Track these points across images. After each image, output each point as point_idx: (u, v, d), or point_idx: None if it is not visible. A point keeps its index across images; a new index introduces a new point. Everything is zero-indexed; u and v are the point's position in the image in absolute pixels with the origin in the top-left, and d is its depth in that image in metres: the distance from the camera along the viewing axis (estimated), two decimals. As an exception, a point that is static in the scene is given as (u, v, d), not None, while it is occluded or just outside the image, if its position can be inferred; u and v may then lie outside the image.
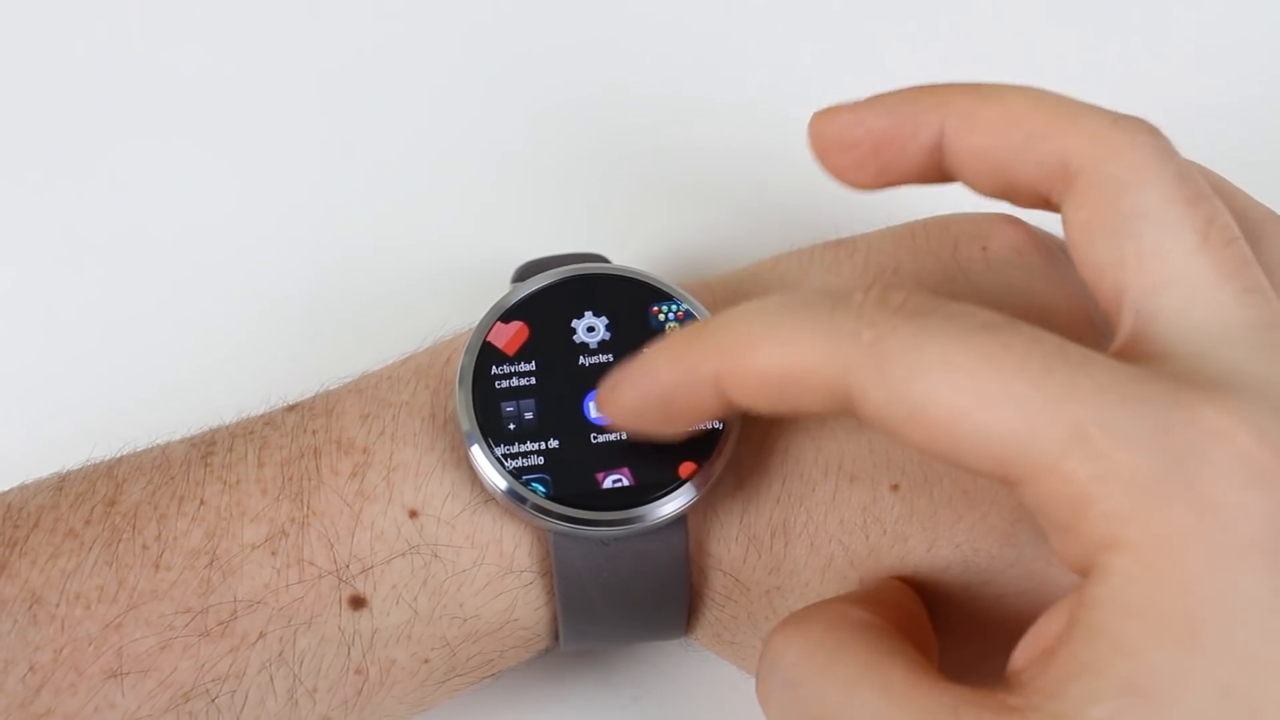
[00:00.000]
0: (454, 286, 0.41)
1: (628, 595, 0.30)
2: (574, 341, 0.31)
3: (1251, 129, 0.44)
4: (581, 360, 0.31)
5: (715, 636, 0.32)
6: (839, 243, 0.34)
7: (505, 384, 0.30)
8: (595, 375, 0.30)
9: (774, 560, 0.31)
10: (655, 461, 0.30)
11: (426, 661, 0.31)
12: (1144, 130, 0.27)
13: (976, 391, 0.23)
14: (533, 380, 0.31)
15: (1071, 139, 0.27)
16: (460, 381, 0.30)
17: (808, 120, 0.29)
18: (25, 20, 0.45)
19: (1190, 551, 0.22)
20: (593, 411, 0.30)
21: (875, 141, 0.29)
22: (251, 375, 0.37)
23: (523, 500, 0.29)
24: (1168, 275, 0.25)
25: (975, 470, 0.24)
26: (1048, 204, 0.28)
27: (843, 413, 0.25)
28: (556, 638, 0.32)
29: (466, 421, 0.30)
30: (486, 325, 0.31)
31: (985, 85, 0.28)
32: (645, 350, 0.27)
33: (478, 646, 0.31)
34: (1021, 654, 0.24)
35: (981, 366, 0.23)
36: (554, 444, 0.30)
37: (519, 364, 0.31)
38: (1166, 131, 0.27)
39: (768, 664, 0.26)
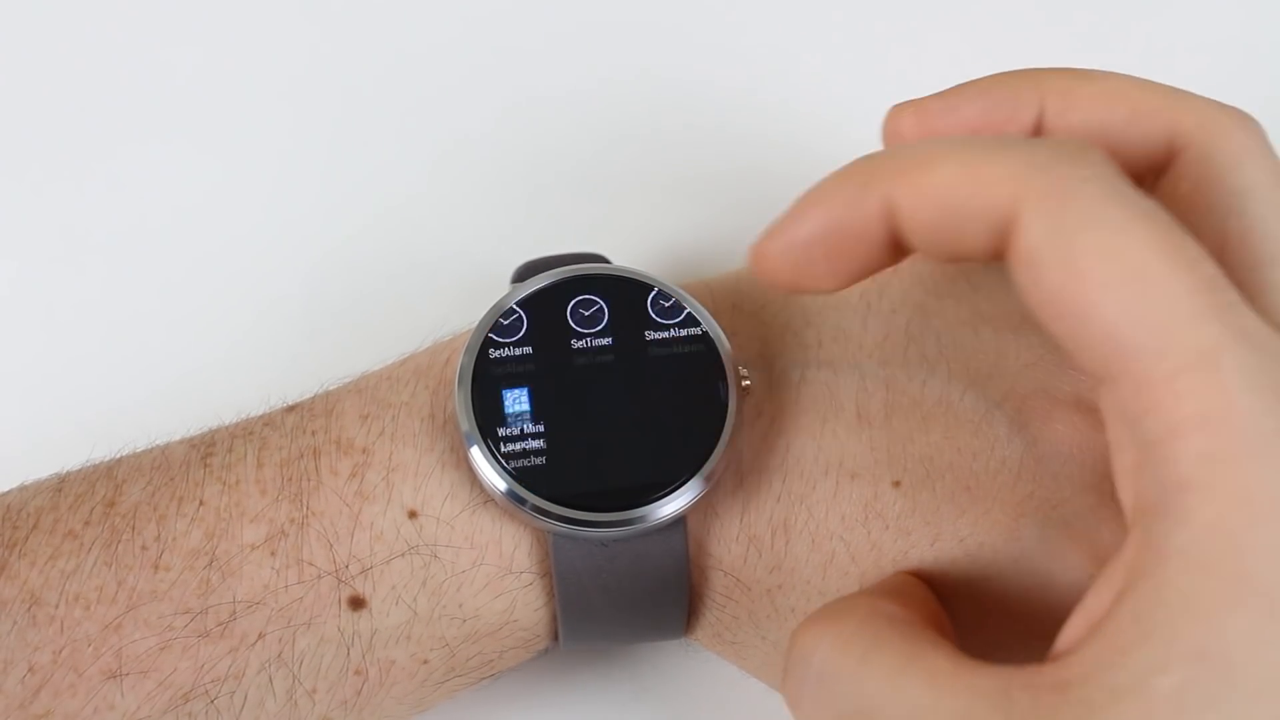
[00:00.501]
0: (454, 286, 0.41)
1: (627, 596, 0.30)
2: (573, 341, 0.31)
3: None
4: (579, 361, 0.31)
5: (716, 636, 0.32)
6: (839, 242, 0.34)
7: (504, 384, 0.30)
8: (593, 374, 0.30)
9: (775, 559, 0.31)
10: (655, 457, 0.30)
11: (426, 662, 0.31)
12: (1247, 116, 0.27)
13: (1139, 269, 0.22)
14: (533, 380, 0.30)
15: (1181, 115, 0.27)
16: (460, 382, 0.30)
17: (882, 119, 0.28)
18: (25, 20, 0.45)
19: None
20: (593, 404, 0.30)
21: (974, 129, 0.28)
22: (251, 375, 0.37)
23: (522, 501, 0.29)
24: (1274, 253, 0.26)
25: (1077, 347, 0.23)
26: None
27: (996, 256, 0.23)
28: (556, 638, 0.32)
29: (466, 422, 0.30)
30: (486, 325, 0.31)
31: (1078, 69, 0.27)
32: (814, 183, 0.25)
33: (477, 647, 0.31)
34: (1069, 635, 0.23)
35: (1153, 250, 0.22)
36: (553, 443, 0.30)
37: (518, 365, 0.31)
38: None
39: (797, 660, 0.25)
